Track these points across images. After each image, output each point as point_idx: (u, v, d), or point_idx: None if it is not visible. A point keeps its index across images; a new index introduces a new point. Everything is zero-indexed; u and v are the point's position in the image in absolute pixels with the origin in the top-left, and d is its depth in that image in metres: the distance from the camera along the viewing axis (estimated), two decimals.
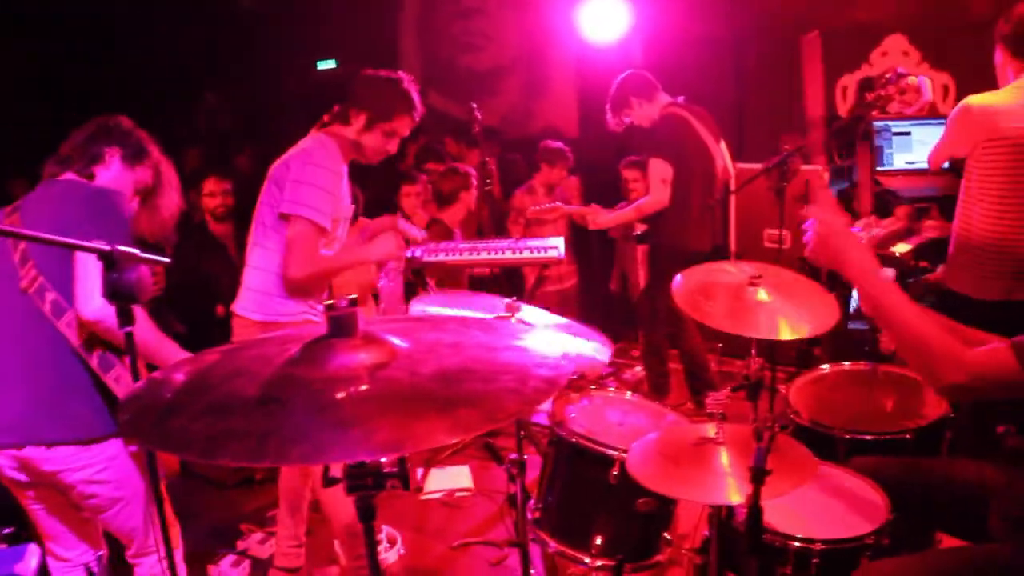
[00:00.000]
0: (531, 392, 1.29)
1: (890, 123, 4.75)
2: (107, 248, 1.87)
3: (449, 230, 5.20)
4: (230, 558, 3.92)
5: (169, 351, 2.63)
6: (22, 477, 2.57)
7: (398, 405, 1.28)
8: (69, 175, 2.68)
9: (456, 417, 1.23)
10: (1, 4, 7.59)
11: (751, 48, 6.81)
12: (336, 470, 1.54)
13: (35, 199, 2.64)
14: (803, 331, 2.63)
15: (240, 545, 4.02)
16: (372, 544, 1.54)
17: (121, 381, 2.48)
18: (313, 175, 3.08)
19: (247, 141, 8.84)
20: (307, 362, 1.40)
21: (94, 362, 2.50)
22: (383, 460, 1.48)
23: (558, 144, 6.27)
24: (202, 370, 1.52)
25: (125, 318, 1.90)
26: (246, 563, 3.89)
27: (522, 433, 2.80)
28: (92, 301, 2.40)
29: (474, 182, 5.25)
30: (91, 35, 8.41)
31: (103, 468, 2.54)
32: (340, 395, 1.30)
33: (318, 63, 9.98)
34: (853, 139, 5.27)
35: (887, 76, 5.21)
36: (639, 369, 5.66)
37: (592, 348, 2.76)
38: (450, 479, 4.59)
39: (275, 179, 3.18)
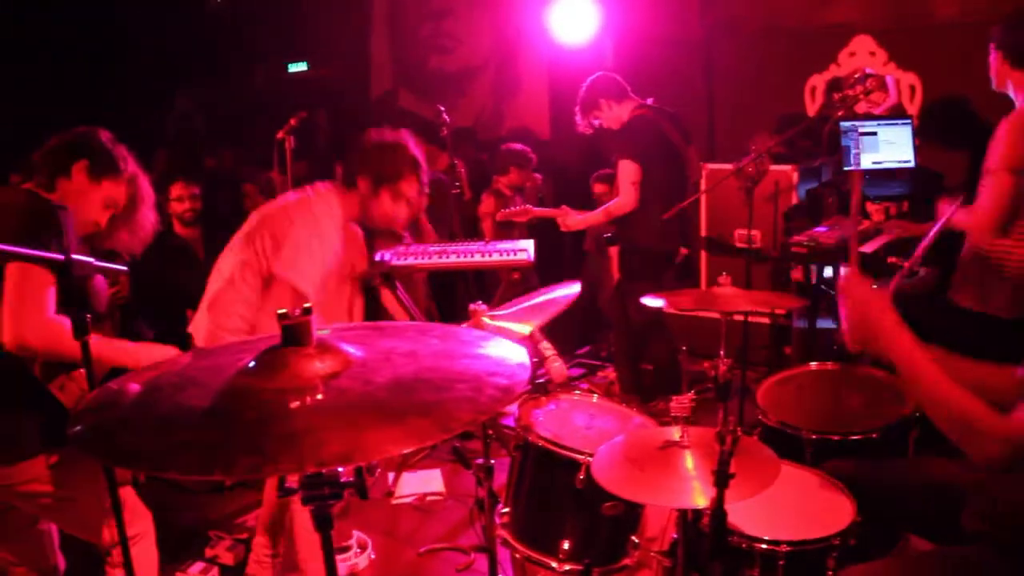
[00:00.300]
0: (486, 401, 1.28)
1: (857, 123, 4.78)
2: (61, 258, 1.84)
3: (398, 235, 5.10)
4: (199, 565, 3.88)
5: (127, 351, 2.57)
6: None
7: (350, 415, 1.26)
8: (29, 184, 2.63)
9: (407, 426, 1.21)
10: None
11: (721, 48, 6.84)
12: (292, 480, 1.52)
13: None
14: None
15: (209, 552, 3.97)
16: (330, 554, 1.52)
17: (66, 389, 2.45)
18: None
19: (217, 144, 8.78)
20: (260, 372, 1.38)
21: (37, 371, 2.46)
22: (340, 470, 1.47)
23: (522, 146, 6.28)
24: (152, 382, 1.50)
25: (80, 328, 1.87)
26: (214, 570, 3.85)
27: (491, 435, 2.78)
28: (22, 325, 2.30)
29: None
30: (61, 36, 8.33)
31: (36, 479, 2.51)
32: (293, 405, 1.29)
33: (289, 66, 9.93)
34: (820, 139, 5.31)
35: (855, 76, 5.27)
36: (610, 370, 5.66)
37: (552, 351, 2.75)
38: (421, 483, 4.57)
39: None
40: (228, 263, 3.21)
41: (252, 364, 1.39)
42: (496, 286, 6.13)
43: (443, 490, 4.51)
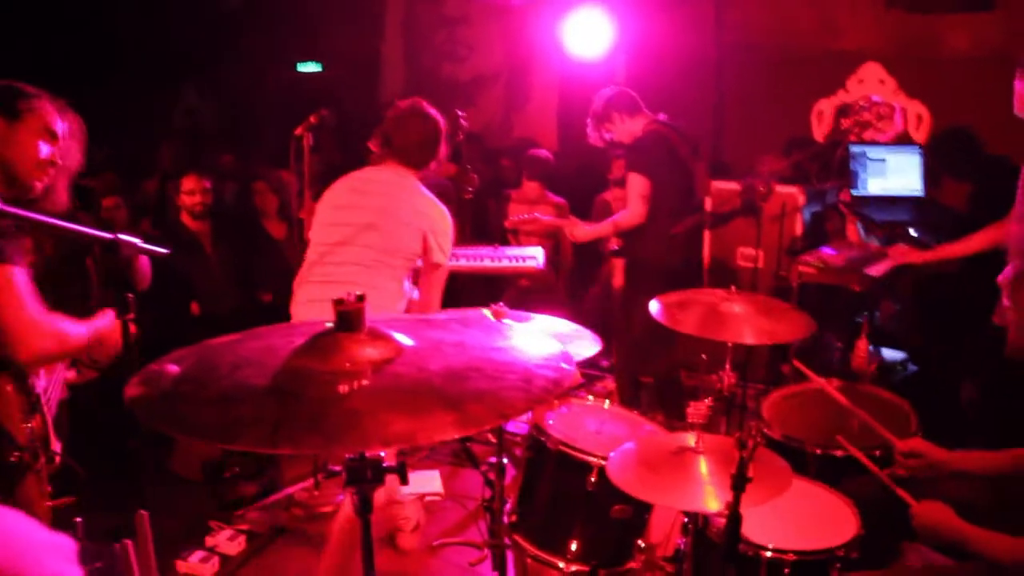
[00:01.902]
0: (537, 391, 1.33)
1: (867, 148, 4.86)
2: (109, 236, 1.89)
3: None
4: (199, 554, 3.90)
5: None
6: None
7: (406, 399, 1.31)
8: None
9: (465, 412, 1.27)
10: None
11: (732, 68, 6.92)
12: (335, 464, 1.57)
13: None
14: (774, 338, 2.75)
15: (209, 541, 4.00)
16: (368, 538, 1.56)
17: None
18: None
19: (226, 140, 8.82)
20: (314, 354, 1.43)
21: None
22: (382, 454, 1.52)
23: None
24: (206, 360, 1.55)
25: (123, 307, 1.92)
26: (215, 559, 3.88)
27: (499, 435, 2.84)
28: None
29: None
30: (70, 27, 8.36)
31: None
32: (349, 387, 1.34)
33: (299, 65, 9.97)
34: (830, 163, 5.38)
35: (863, 103, 5.36)
36: (610, 381, 5.71)
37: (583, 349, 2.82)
38: (421, 483, 4.60)
39: None
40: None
41: (307, 346, 1.44)
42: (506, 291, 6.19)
43: (441, 491, 4.55)
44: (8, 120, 2.39)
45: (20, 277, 2.15)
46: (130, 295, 1.93)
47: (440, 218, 3.43)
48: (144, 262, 1.94)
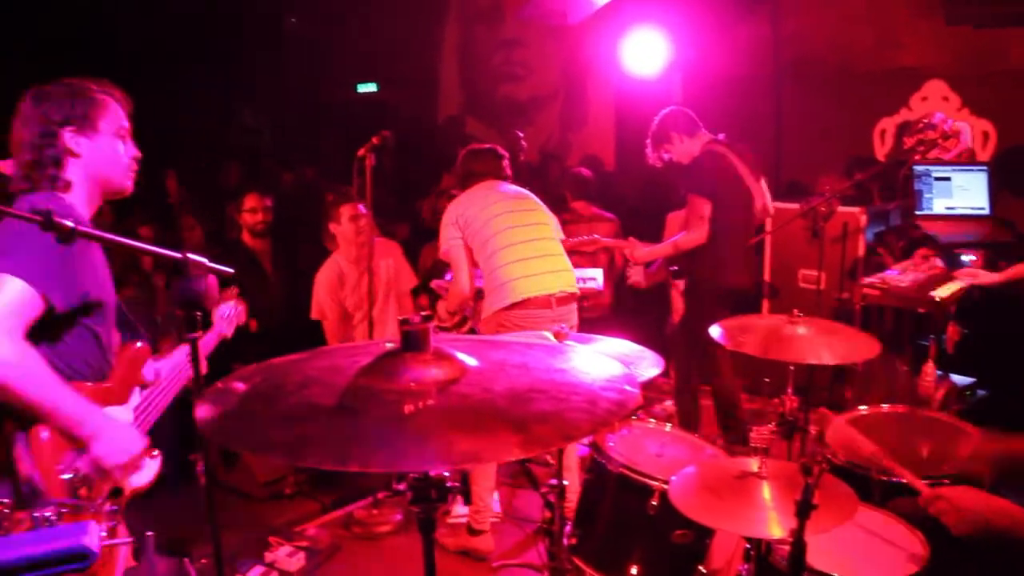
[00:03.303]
0: (602, 413, 1.32)
1: (931, 168, 4.77)
2: (179, 256, 1.92)
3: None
4: (258, 569, 3.94)
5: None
6: None
7: (471, 420, 1.31)
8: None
9: (530, 433, 1.26)
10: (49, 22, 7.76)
11: (791, 88, 6.86)
12: (399, 483, 1.57)
13: None
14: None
15: (268, 557, 4.04)
16: (430, 557, 1.56)
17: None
18: None
19: (284, 158, 8.98)
20: (380, 374, 1.43)
21: None
22: (446, 474, 1.52)
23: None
24: (272, 378, 1.57)
25: (191, 325, 1.95)
26: (273, 575, 3.91)
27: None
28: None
29: None
30: (131, 52, 8.58)
31: None
32: (415, 406, 1.34)
33: (358, 86, 10.13)
34: (893, 182, 5.29)
35: (926, 121, 5.25)
36: (669, 403, 5.65)
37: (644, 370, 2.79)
38: None
39: None
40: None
41: (373, 366, 1.45)
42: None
43: (500, 512, 4.53)
44: (89, 134, 2.39)
45: (16, 291, 2.11)
46: (198, 314, 1.96)
47: None
48: (213, 282, 1.96)
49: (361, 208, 4.81)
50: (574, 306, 4.19)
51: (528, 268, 4.06)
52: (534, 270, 4.06)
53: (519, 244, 4.10)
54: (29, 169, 2.34)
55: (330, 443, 1.25)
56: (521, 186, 4.49)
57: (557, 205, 6.83)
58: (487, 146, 4.52)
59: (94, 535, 1.60)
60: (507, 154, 4.48)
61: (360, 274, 4.82)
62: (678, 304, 5.53)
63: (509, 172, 4.44)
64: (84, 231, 1.94)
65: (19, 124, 2.37)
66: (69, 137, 2.35)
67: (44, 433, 2.18)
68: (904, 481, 2.86)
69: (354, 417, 1.33)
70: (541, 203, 4.37)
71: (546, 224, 4.28)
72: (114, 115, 2.46)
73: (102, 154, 2.42)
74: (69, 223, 1.88)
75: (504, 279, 4.05)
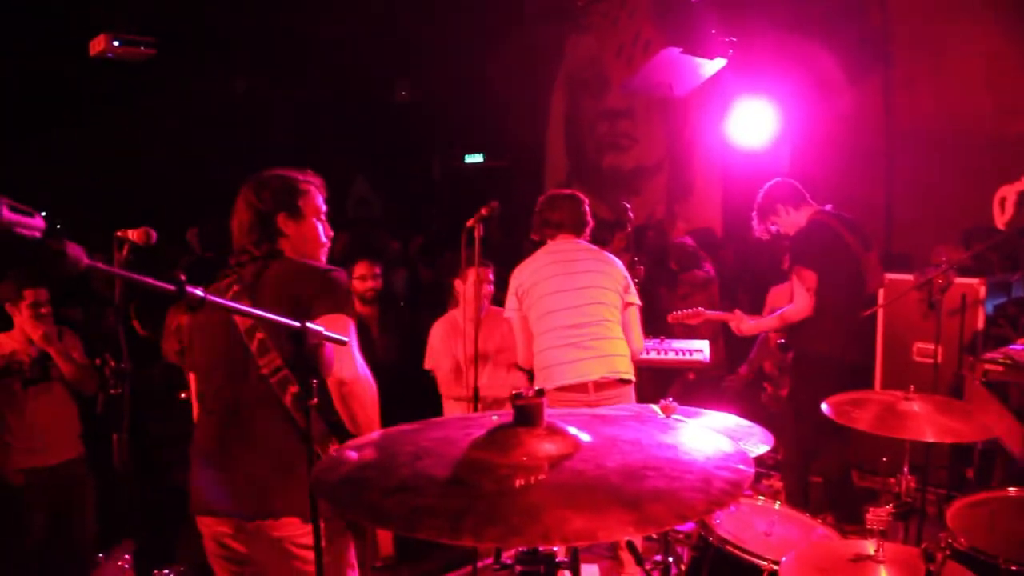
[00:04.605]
0: (717, 493, 1.31)
1: None
2: (297, 325, 1.99)
3: None
4: None
5: None
6: (238, 547, 2.63)
7: (584, 496, 1.32)
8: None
9: (644, 512, 1.26)
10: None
11: (903, 156, 6.72)
12: (507, 556, 1.58)
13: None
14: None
15: None
16: None
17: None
18: None
19: (394, 227, 9.21)
20: (493, 447, 1.45)
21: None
22: (555, 549, 1.52)
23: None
24: (386, 448, 1.60)
25: (308, 393, 2.00)
26: None
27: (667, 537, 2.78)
28: (351, 365, 2.53)
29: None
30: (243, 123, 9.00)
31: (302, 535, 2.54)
32: (520, 482, 1.35)
33: (466, 156, 10.36)
34: (1016, 252, 5.09)
35: None
36: (776, 479, 5.50)
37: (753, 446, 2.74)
38: None
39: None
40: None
41: (486, 439, 1.47)
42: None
43: None
44: (296, 220, 2.77)
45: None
46: (314, 380, 2.02)
47: (619, 265, 4.24)
48: (329, 349, 2.03)
49: (489, 274, 4.93)
50: (624, 389, 4.08)
51: (566, 355, 4.03)
52: (571, 357, 4.02)
53: (561, 329, 4.06)
54: (249, 244, 2.74)
55: (444, 515, 1.27)
56: (628, 258, 4.50)
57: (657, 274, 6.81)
58: (567, 192, 4.45)
59: None
60: (587, 199, 4.39)
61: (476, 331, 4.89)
62: (786, 377, 5.41)
63: (590, 221, 4.35)
64: (214, 300, 2.03)
65: (241, 207, 2.77)
66: (282, 221, 2.75)
67: None
68: None
69: (467, 489, 1.35)
70: (604, 265, 4.22)
71: (600, 304, 4.13)
72: (315, 201, 2.85)
73: (306, 235, 2.81)
74: (199, 292, 1.98)
75: (546, 363, 4.08)
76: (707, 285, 6.29)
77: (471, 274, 4.89)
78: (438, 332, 5.06)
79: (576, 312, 4.05)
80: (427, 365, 5.07)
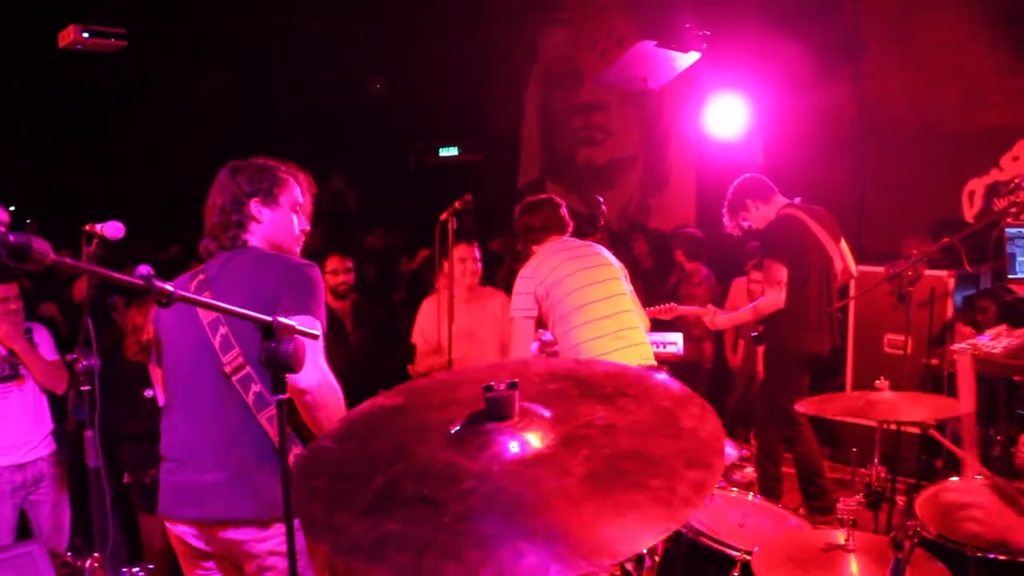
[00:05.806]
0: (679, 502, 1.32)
1: None
2: (267, 319, 1.96)
3: None
4: None
5: None
6: (202, 546, 2.60)
7: (541, 519, 1.30)
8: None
9: (596, 544, 1.25)
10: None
11: (874, 150, 6.78)
12: None
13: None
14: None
15: None
16: None
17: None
18: None
19: (370, 221, 9.17)
20: (462, 446, 1.45)
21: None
22: None
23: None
24: (366, 446, 1.59)
25: (279, 387, 1.99)
26: None
27: None
28: (313, 371, 2.41)
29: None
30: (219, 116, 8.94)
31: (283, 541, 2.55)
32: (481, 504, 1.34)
33: (440, 150, 10.34)
34: (983, 245, 5.15)
35: (1018, 181, 5.12)
36: (750, 471, 5.54)
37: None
38: None
39: None
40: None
41: (457, 437, 1.47)
42: None
43: None
44: (270, 207, 2.70)
45: None
46: (285, 376, 2.00)
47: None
48: (300, 344, 2.00)
49: (475, 252, 4.95)
50: None
51: (604, 346, 4.06)
52: (610, 347, 4.06)
53: (597, 321, 4.10)
54: (218, 229, 2.67)
55: (409, 548, 1.26)
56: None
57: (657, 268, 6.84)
58: (543, 197, 4.49)
59: None
60: (564, 203, 4.43)
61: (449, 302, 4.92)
62: (758, 369, 5.45)
63: (569, 222, 4.38)
64: (182, 295, 2.01)
65: (215, 191, 2.71)
66: (254, 206, 2.67)
67: None
68: (1003, 559, 2.75)
69: (432, 511, 1.33)
70: (607, 255, 4.32)
71: (622, 294, 4.23)
72: (292, 192, 2.77)
73: (279, 223, 2.72)
74: (169, 287, 1.96)
75: (588, 355, 4.05)
76: (707, 281, 6.36)
77: (457, 251, 4.91)
78: (428, 307, 5.12)
79: (607, 304, 4.12)
80: (413, 339, 5.13)
